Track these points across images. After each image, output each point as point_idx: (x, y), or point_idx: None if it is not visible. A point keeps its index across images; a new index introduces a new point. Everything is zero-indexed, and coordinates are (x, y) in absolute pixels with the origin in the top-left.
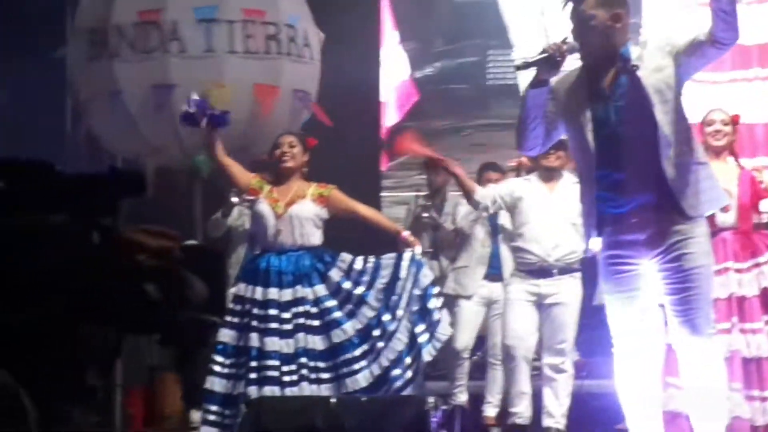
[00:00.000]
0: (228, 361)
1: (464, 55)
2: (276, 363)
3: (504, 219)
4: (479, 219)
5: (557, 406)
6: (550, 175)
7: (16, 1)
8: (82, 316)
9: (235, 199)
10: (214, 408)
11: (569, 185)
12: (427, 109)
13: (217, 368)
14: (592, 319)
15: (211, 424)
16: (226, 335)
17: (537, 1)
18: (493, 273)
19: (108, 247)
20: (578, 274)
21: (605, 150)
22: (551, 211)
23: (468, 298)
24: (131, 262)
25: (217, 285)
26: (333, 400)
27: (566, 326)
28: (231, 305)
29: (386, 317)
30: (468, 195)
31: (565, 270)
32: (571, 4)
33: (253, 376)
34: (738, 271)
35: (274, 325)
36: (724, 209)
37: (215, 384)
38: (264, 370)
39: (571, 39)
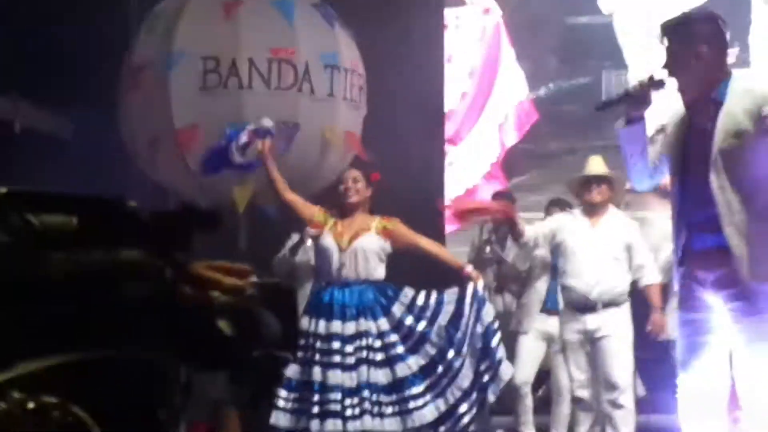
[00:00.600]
0: (292, 396)
1: (578, 75)
2: (338, 396)
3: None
4: (530, 256)
5: None
6: (593, 210)
7: (82, 35)
8: (156, 352)
9: (306, 238)
10: None
11: (613, 220)
12: (542, 130)
13: (281, 403)
14: (653, 352)
15: None
16: (290, 369)
17: (649, 22)
18: (551, 308)
19: (181, 283)
20: (626, 307)
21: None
22: (593, 246)
23: (525, 333)
24: (205, 299)
25: (290, 322)
26: None
27: (617, 359)
28: None
29: (450, 354)
30: (516, 236)
31: (609, 304)
32: (666, 40)
33: (315, 410)
34: None
35: (337, 359)
36: None
37: (280, 419)
38: (326, 404)
39: (658, 75)
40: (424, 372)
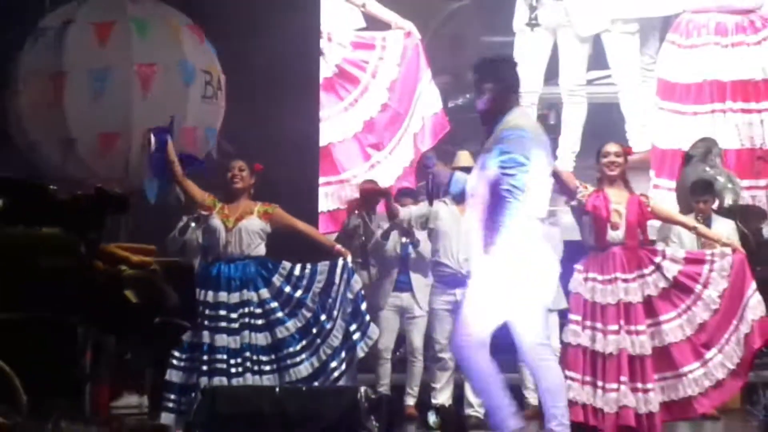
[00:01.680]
0: (183, 356)
1: None
2: (224, 357)
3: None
4: (391, 239)
5: (474, 398)
6: (462, 196)
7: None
8: (70, 315)
9: (189, 220)
10: (172, 396)
11: None
12: (460, 135)
13: (174, 362)
14: None
15: (170, 410)
16: None
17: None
18: (403, 285)
19: (94, 258)
20: None
21: None
22: (462, 229)
23: (381, 309)
24: (114, 272)
25: (188, 294)
26: (278, 389)
27: None
28: None
29: (323, 317)
30: (391, 216)
31: None
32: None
33: (204, 368)
34: (625, 281)
35: (223, 324)
36: (614, 227)
37: (173, 375)
38: (214, 363)
39: None
40: (300, 333)
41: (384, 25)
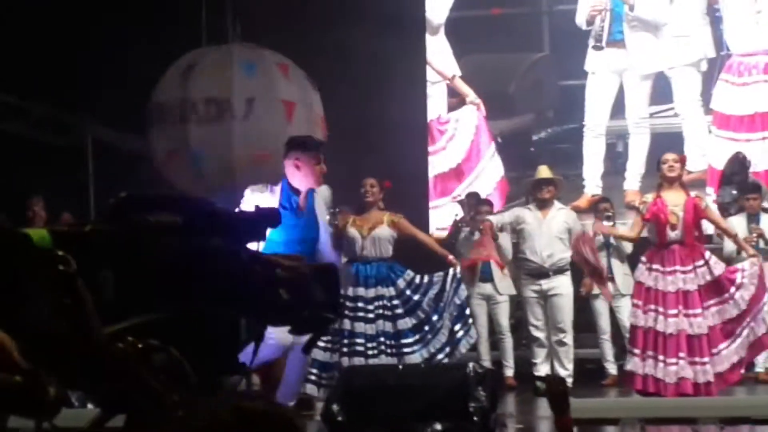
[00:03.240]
0: (324, 338)
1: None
2: (362, 341)
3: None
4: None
5: (563, 371)
6: (543, 204)
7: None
8: (237, 312)
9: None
10: (314, 371)
11: (557, 211)
12: (541, 161)
13: (319, 343)
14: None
15: (312, 383)
16: None
17: None
18: (485, 276)
19: (253, 264)
20: (568, 273)
21: None
22: (544, 230)
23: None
24: (269, 274)
25: (334, 291)
26: (401, 366)
27: (563, 310)
28: None
29: (435, 317)
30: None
31: (557, 272)
32: None
33: (345, 350)
34: (683, 272)
35: (361, 314)
36: (673, 227)
37: (317, 354)
38: (354, 346)
39: None
40: (415, 329)
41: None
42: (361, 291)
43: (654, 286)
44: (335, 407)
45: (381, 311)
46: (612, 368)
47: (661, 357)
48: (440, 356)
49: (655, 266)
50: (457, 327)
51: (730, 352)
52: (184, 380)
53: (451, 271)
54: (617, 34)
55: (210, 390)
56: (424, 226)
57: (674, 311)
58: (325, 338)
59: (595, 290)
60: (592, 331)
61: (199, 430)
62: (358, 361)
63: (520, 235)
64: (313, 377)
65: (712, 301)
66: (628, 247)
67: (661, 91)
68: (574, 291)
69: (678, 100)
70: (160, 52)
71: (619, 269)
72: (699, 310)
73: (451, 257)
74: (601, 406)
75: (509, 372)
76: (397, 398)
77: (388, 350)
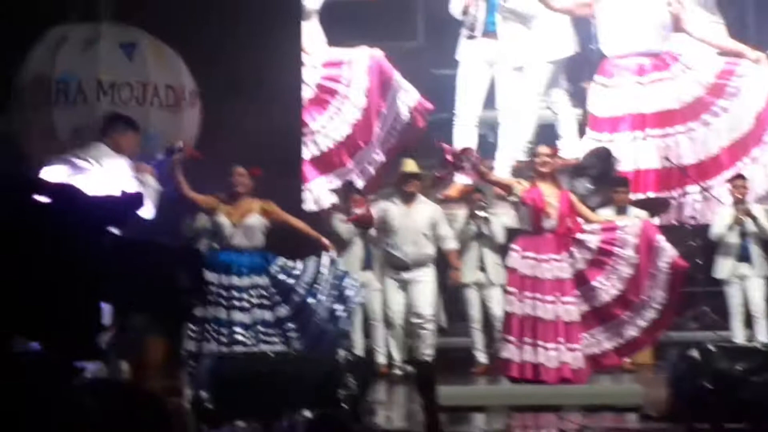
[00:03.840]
0: (196, 328)
1: None
2: (241, 330)
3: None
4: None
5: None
6: (408, 198)
7: None
8: (97, 297)
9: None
10: (191, 363)
11: (422, 205)
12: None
13: (190, 333)
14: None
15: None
16: (199, 311)
17: None
18: (368, 266)
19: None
20: (431, 264)
21: None
22: (408, 224)
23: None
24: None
25: (197, 276)
26: (272, 354)
27: (422, 298)
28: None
29: (311, 300)
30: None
31: (419, 264)
32: None
33: (224, 340)
34: (557, 261)
35: (236, 303)
36: (548, 216)
37: (187, 344)
38: (232, 335)
39: None
40: (294, 315)
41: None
42: (235, 280)
43: (531, 274)
44: (203, 395)
45: (257, 300)
46: (482, 357)
47: (541, 342)
48: (321, 340)
49: (529, 254)
50: (336, 307)
51: (603, 338)
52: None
53: (325, 253)
54: (490, 25)
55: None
56: (297, 209)
57: (551, 298)
58: (195, 327)
59: (467, 279)
60: (464, 320)
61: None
62: (238, 350)
63: (385, 229)
64: (189, 369)
65: (605, 273)
66: (500, 237)
67: (532, 83)
68: (443, 280)
69: (546, 93)
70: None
71: (491, 259)
72: (571, 298)
73: (325, 240)
74: (469, 394)
75: (382, 359)
76: (267, 386)
77: (268, 338)
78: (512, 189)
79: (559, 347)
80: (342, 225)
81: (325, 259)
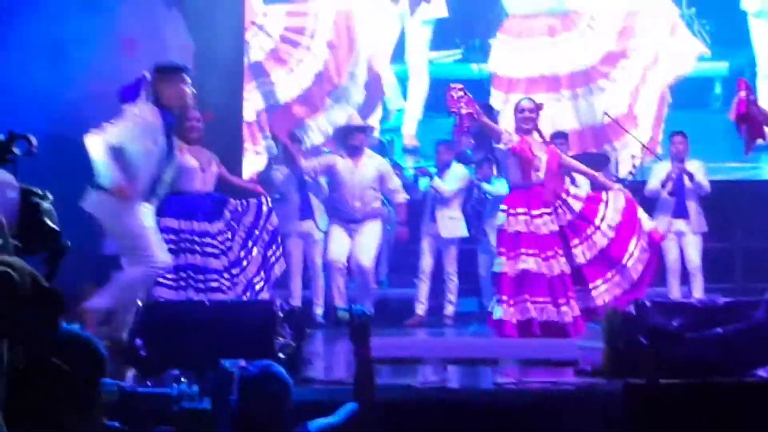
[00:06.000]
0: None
1: None
2: (215, 276)
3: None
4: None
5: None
6: (354, 151)
7: None
8: None
9: None
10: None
11: (367, 158)
12: None
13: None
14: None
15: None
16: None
17: None
18: (307, 216)
19: None
20: (378, 218)
21: None
22: (355, 178)
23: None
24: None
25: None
26: (207, 302)
27: (365, 249)
28: None
29: (249, 243)
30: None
31: (367, 217)
32: None
33: (201, 286)
34: (548, 214)
35: (209, 249)
36: (536, 168)
37: (161, 292)
38: (209, 282)
39: None
40: (237, 259)
41: None
42: (206, 226)
43: (526, 230)
44: (138, 342)
45: (220, 245)
46: (420, 309)
47: (540, 299)
48: (256, 280)
49: (520, 210)
50: (269, 252)
51: (602, 290)
52: None
53: (263, 198)
54: None
55: None
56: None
57: (551, 252)
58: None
59: (426, 232)
60: (411, 273)
61: None
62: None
63: (332, 182)
64: None
65: (579, 238)
66: (447, 192)
67: (442, 36)
68: (393, 234)
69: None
70: None
71: (443, 214)
72: (552, 252)
73: (260, 188)
74: (404, 345)
75: (319, 311)
76: (201, 334)
77: (227, 283)
78: (502, 137)
79: (558, 301)
80: (279, 175)
81: (264, 203)
